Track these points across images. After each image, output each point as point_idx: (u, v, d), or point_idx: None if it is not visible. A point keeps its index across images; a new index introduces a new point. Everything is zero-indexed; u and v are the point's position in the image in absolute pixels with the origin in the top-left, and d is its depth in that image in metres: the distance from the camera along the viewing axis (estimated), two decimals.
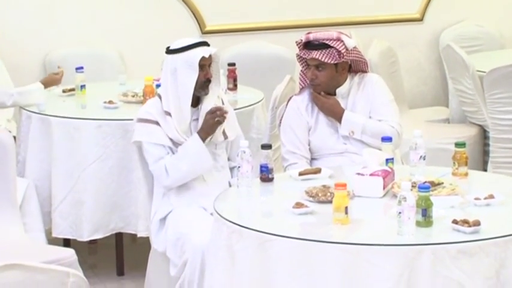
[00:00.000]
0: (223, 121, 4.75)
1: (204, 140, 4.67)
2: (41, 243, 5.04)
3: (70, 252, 4.64)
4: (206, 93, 4.86)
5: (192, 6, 7.18)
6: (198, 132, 4.69)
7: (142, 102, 5.59)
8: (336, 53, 4.90)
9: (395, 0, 7.85)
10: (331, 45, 4.90)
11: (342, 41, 4.92)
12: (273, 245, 3.77)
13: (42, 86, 5.76)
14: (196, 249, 4.52)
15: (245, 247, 3.87)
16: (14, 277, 3.20)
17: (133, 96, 5.87)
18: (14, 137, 5.50)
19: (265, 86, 6.32)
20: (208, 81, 4.81)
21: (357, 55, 5.01)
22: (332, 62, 4.89)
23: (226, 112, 4.76)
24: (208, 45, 4.88)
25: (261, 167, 4.48)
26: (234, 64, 6.21)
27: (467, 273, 3.63)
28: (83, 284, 3.31)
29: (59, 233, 5.49)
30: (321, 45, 4.91)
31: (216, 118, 4.69)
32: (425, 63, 7.97)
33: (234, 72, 6.22)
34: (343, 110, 4.99)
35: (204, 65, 4.78)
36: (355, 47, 5.02)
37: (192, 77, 4.76)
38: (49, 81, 5.91)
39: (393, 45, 7.38)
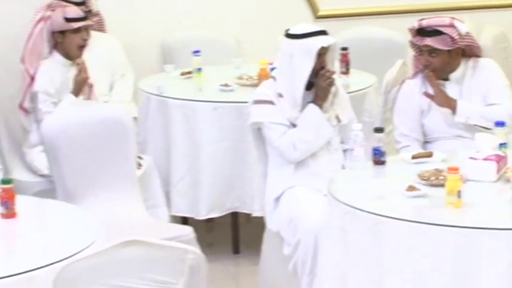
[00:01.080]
0: (334, 81, 4.75)
1: (321, 107, 4.69)
2: (162, 219, 5.16)
3: (188, 230, 4.72)
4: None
5: None
6: (314, 102, 4.69)
7: (256, 85, 5.57)
8: (448, 39, 4.87)
9: None
10: (444, 31, 4.87)
11: (455, 26, 4.89)
12: (385, 227, 3.76)
13: (73, 96, 5.53)
14: (309, 229, 4.53)
15: (358, 228, 3.87)
16: (134, 253, 3.24)
17: (248, 79, 5.89)
18: (135, 118, 5.60)
19: (377, 70, 6.26)
20: (322, 69, 4.81)
21: (470, 40, 4.96)
22: (445, 48, 4.86)
23: (333, 72, 4.75)
24: (327, 34, 4.87)
25: (374, 150, 4.43)
26: (346, 48, 6.18)
27: None
28: (201, 261, 3.35)
29: (177, 211, 5.58)
30: (434, 32, 4.88)
31: (327, 80, 4.69)
32: None
33: (347, 57, 6.19)
34: (455, 102, 4.95)
35: (322, 54, 4.77)
36: (468, 33, 4.97)
37: (308, 65, 4.75)
38: (77, 87, 5.57)
39: (506, 30, 7.27)
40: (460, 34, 4.88)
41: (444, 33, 4.86)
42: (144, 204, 5.10)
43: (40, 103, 5.52)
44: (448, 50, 4.89)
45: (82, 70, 5.53)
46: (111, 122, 5.12)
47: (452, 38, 4.86)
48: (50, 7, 5.74)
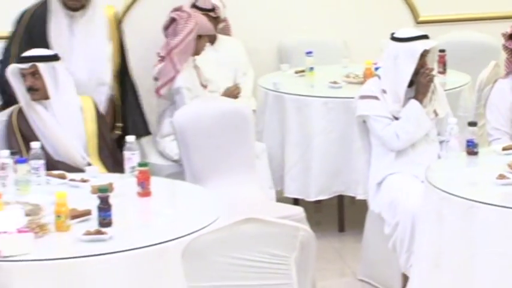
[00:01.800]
0: (433, 78, 4.74)
1: (421, 102, 4.68)
2: (271, 200, 5.19)
3: (299, 210, 4.76)
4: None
5: None
6: (415, 97, 4.69)
7: (362, 83, 5.60)
8: None
9: None
10: None
11: None
12: (477, 211, 3.73)
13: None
14: (408, 211, 4.52)
15: (452, 212, 3.84)
16: (252, 229, 3.24)
17: (354, 77, 5.92)
18: (254, 111, 5.68)
19: (472, 70, 6.20)
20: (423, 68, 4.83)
21: None
22: None
23: (433, 69, 4.76)
24: (428, 38, 4.87)
25: (468, 141, 4.41)
26: (444, 51, 6.13)
27: None
28: (311, 238, 3.33)
29: (289, 193, 5.65)
30: None
31: (427, 77, 4.69)
32: None
33: (444, 58, 6.15)
34: None
35: (424, 55, 4.77)
36: None
37: (411, 66, 4.76)
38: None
39: None
40: None
41: None
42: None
43: (185, 98, 5.53)
44: None
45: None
46: (233, 114, 5.23)
47: None
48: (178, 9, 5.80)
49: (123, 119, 5.54)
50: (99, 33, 5.27)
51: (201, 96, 5.66)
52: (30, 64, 4.63)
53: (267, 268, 3.25)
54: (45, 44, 5.04)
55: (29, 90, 4.65)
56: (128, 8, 6.40)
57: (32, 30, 5.17)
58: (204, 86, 5.80)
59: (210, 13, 6.08)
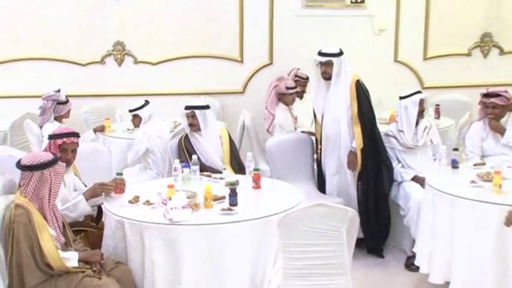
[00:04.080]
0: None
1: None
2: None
3: (339, 200, 4.75)
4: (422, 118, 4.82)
5: None
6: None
7: (388, 123, 5.45)
8: (505, 99, 4.73)
9: None
10: (502, 94, 4.73)
11: (507, 92, 4.74)
12: (458, 202, 3.72)
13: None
14: (416, 201, 4.56)
15: (441, 203, 3.85)
16: (320, 210, 3.23)
17: (383, 120, 5.68)
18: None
19: (455, 117, 6.04)
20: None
21: None
22: (502, 103, 4.72)
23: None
24: (421, 92, 4.80)
25: (452, 160, 4.40)
26: (438, 105, 6.23)
27: None
28: (355, 216, 3.26)
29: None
30: (496, 95, 4.72)
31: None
32: None
33: (438, 109, 6.23)
34: (505, 129, 4.74)
35: (421, 102, 4.77)
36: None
37: (415, 110, 4.77)
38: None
39: None
40: (509, 98, 4.75)
41: (501, 96, 4.72)
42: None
43: (275, 131, 5.59)
44: (503, 105, 4.73)
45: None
46: (300, 141, 5.17)
47: (507, 98, 4.72)
48: (279, 79, 5.86)
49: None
50: None
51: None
52: (190, 110, 4.80)
53: (328, 233, 3.23)
54: None
55: (189, 125, 4.81)
56: None
57: None
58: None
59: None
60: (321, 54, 4.77)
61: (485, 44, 7.27)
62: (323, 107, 4.81)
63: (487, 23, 7.22)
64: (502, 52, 7.32)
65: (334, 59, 4.72)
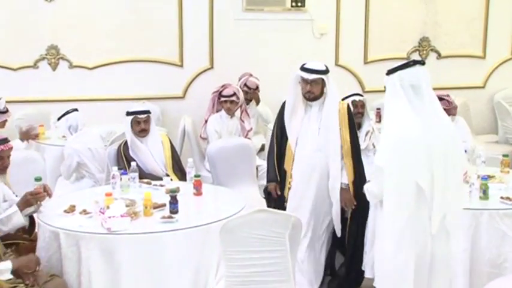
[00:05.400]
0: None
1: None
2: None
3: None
4: None
5: None
6: None
7: None
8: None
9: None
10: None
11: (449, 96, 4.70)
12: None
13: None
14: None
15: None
16: (263, 216, 3.24)
17: None
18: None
19: None
20: None
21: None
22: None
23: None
24: (362, 96, 4.84)
25: None
26: (379, 108, 6.25)
27: (509, 226, 3.63)
28: (298, 222, 3.26)
29: None
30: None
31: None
32: (486, 111, 7.66)
33: (380, 113, 6.30)
34: None
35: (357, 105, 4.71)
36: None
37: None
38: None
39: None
40: (451, 101, 4.73)
41: (443, 99, 4.64)
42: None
43: (212, 138, 5.46)
44: (445, 109, 4.06)
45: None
46: (242, 147, 5.23)
47: (449, 102, 4.69)
48: (223, 86, 5.70)
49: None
50: None
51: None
52: (145, 115, 4.69)
53: (271, 239, 3.23)
54: None
55: (141, 131, 4.66)
56: None
57: None
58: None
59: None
60: (306, 70, 3.97)
61: (424, 48, 7.44)
62: (299, 131, 4.04)
63: (424, 28, 7.40)
64: (439, 56, 7.50)
65: (324, 77, 3.99)
